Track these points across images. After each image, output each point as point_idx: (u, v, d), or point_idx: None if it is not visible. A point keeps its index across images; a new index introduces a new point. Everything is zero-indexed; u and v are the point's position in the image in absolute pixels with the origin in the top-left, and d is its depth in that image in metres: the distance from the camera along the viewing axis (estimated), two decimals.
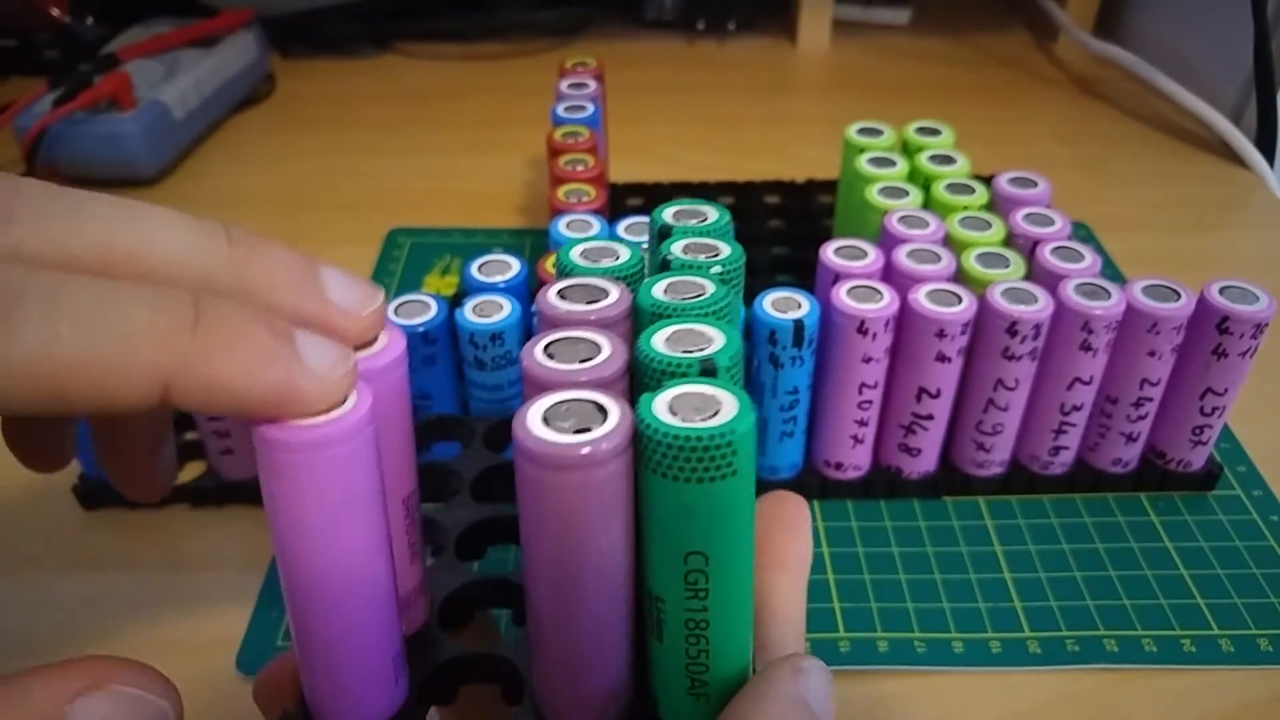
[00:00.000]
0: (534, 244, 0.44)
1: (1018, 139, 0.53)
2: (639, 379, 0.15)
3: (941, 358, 0.28)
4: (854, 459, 0.31)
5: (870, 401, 0.30)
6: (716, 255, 0.18)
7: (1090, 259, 0.30)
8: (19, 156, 0.47)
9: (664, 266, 0.18)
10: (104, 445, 0.19)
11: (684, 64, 0.63)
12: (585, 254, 0.18)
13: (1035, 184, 0.35)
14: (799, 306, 0.28)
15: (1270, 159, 0.49)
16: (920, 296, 0.28)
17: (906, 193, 0.34)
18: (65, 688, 0.13)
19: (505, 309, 0.29)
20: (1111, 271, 0.42)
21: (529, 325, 0.30)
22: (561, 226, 0.33)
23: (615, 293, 0.17)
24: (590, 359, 0.15)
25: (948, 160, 0.36)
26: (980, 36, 0.66)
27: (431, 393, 0.30)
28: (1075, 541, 0.30)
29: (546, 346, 0.16)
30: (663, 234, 0.18)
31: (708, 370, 0.15)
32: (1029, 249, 0.31)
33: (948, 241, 0.32)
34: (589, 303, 0.16)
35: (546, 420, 0.14)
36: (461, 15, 0.65)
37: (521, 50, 0.64)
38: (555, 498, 0.14)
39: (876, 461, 0.32)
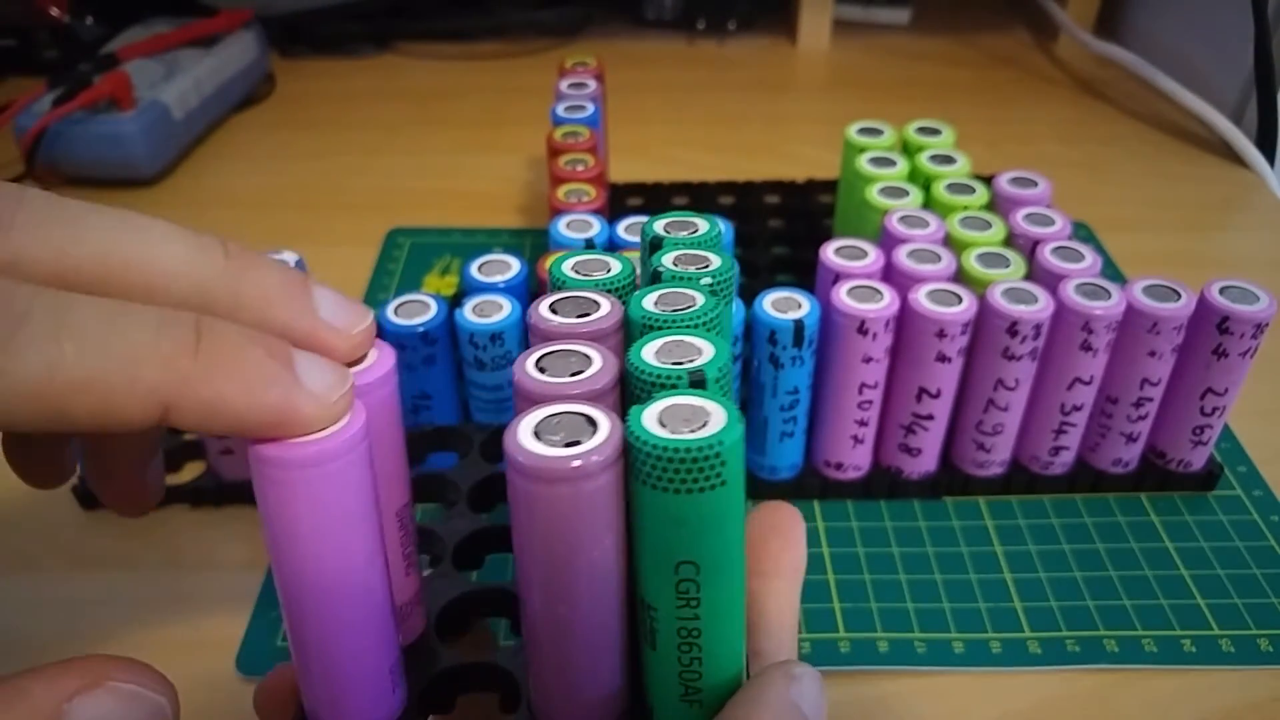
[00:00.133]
0: (534, 244, 0.44)
1: (1018, 139, 0.53)
2: (629, 391, 0.15)
3: (942, 358, 0.28)
4: (854, 459, 0.31)
5: (870, 401, 0.30)
6: (707, 267, 0.18)
7: (1090, 259, 0.30)
8: (19, 156, 0.47)
9: (655, 278, 0.18)
10: (93, 460, 0.20)
11: (684, 64, 0.63)
12: (577, 267, 0.18)
13: (1035, 184, 0.35)
14: (799, 306, 0.28)
15: (1270, 159, 0.49)
16: (920, 296, 0.28)
17: (907, 193, 0.34)
18: (63, 686, 0.13)
19: (505, 309, 0.29)
20: (1112, 271, 0.42)
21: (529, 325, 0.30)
22: (561, 226, 0.33)
23: (606, 305, 0.17)
24: (581, 372, 0.15)
25: (948, 160, 0.36)
26: (980, 36, 0.66)
27: (431, 393, 0.30)
28: (1075, 542, 0.30)
29: (538, 360, 0.16)
30: (654, 246, 0.18)
31: (697, 382, 0.15)
32: (1029, 249, 0.31)
33: (948, 241, 0.32)
34: (580, 316, 0.17)
35: (537, 434, 0.14)
36: (461, 15, 0.65)
37: (521, 50, 0.64)
38: (546, 510, 0.14)
39: (877, 461, 0.32)
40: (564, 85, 0.42)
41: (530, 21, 0.65)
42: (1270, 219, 0.47)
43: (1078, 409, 0.30)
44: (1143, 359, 0.29)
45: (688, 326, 0.16)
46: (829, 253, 0.31)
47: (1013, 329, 0.28)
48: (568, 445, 0.14)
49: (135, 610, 0.29)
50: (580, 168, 0.37)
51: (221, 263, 0.15)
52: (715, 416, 0.14)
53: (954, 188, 0.34)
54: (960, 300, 0.28)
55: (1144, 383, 0.29)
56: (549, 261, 0.31)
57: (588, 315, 0.17)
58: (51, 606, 0.29)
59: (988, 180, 0.35)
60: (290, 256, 0.30)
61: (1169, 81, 0.54)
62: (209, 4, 0.58)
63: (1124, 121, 0.55)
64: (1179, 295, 0.29)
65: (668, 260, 0.18)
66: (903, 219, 0.32)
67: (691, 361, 0.15)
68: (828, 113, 0.57)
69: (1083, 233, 0.45)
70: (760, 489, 0.32)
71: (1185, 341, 0.29)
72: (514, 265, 0.31)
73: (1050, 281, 0.29)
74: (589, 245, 0.32)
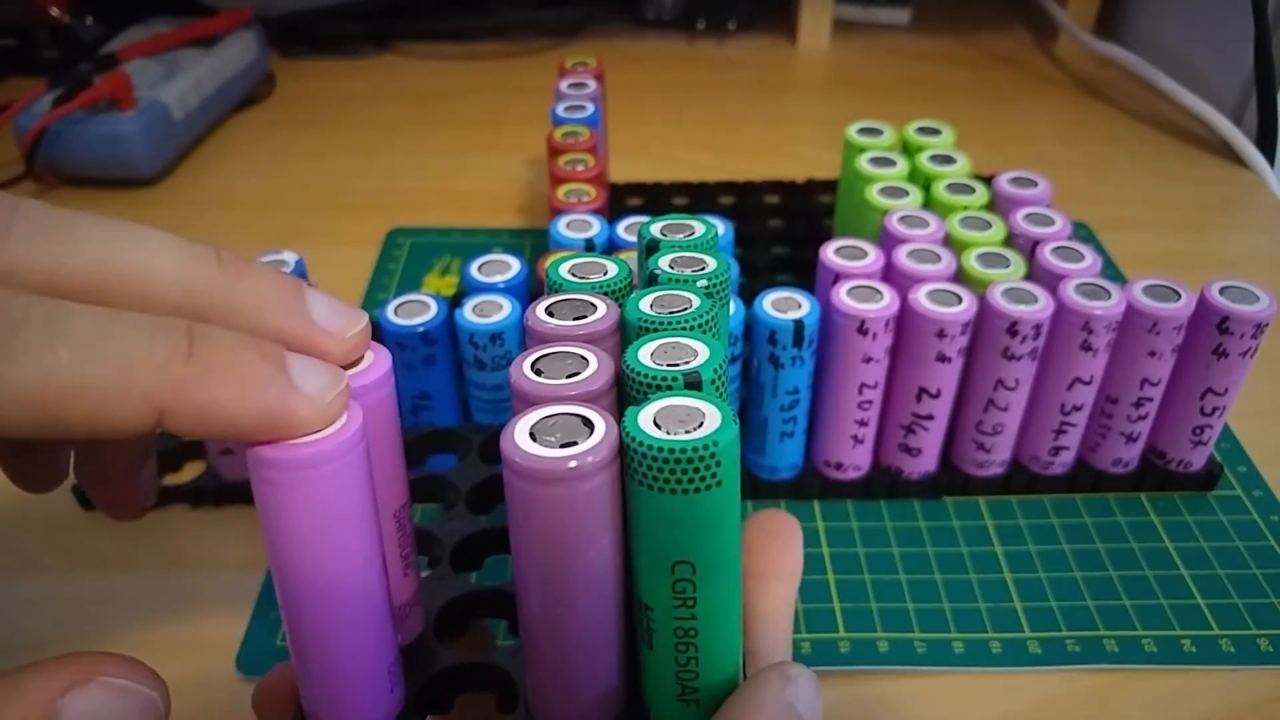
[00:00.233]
0: (534, 244, 0.44)
1: (1018, 139, 0.53)
2: (625, 392, 0.15)
3: (942, 358, 0.28)
4: (854, 459, 0.31)
5: (870, 401, 0.30)
6: (703, 269, 0.18)
7: (1090, 259, 0.30)
8: (19, 156, 0.47)
9: (651, 281, 0.18)
10: (87, 465, 0.20)
11: (684, 64, 0.63)
12: (574, 270, 0.18)
13: (1035, 184, 0.35)
14: (799, 306, 0.28)
15: (1270, 159, 0.49)
16: (920, 296, 0.28)
17: (907, 193, 0.34)
18: (57, 682, 0.13)
19: (505, 309, 0.29)
20: (1112, 271, 0.42)
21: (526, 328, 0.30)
22: (561, 226, 0.33)
23: (603, 308, 0.17)
24: (578, 374, 0.15)
25: (948, 160, 0.36)
26: (980, 36, 0.66)
27: (431, 393, 0.30)
28: (1075, 542, 0.30)
29: (535, 362, 0.16)
30: (650, 248, 0.19)
31: (692, 383, 0.15)
32: (1029, 249, 0.31)
33: (948, 241, 0.32)
34: (577, 318, 0.17)
35: (533, 435, 0.14)
36: (461, 15, 0.65)
37: (521, 50, 0.64)
38: (543, 511, 0.14)
39: (877, 461, 0.32)
40: (564, 85, 0.42)
41: (530, 21, 0.65)
42: (1270, 219, 0.47)
43: (1078, 409, 0.30)
44: (1143, 359, 0.29)
45: (683, 328, 0.16)
46: (829, 253, 0.31)
47: (1013, 329, 0.28)
48: (564, 446, 0.14)
49: (135, 610, 0.29)
50: (580, 168, 0.37)
51: (215, 270, 0.15)
52: (710, 417, 0.14)
53: (954, 188, 0.34)
54: (960, 300, 0.28)
55: (1144, 383, 0.29)
56: (548, 262, 0.31)
57: (584, 318, 0.17)
58: (51, 606, 0.29)
59: (988, 180, 0.35)
60: (290, 257, 0.30)
61: (1169, 81, 0.54)
62: (209, 4, 0.58)
63: (1124, 121, 0.55)
64: (1179, 295, 0.29)
65: (664, 263, 0.18)
66: (903, 219, 0.32)
67: (687, 363, 0.15)
68: (828, 113, 0.57)
69: (1083, 233, 0.45)
70: (760, 489, 0.32)
71: (1185, 341, 0.29)
72: (514, 265, 0.31)
73: (1050, 281, 0.29)
74: (589, 245, 0.32)
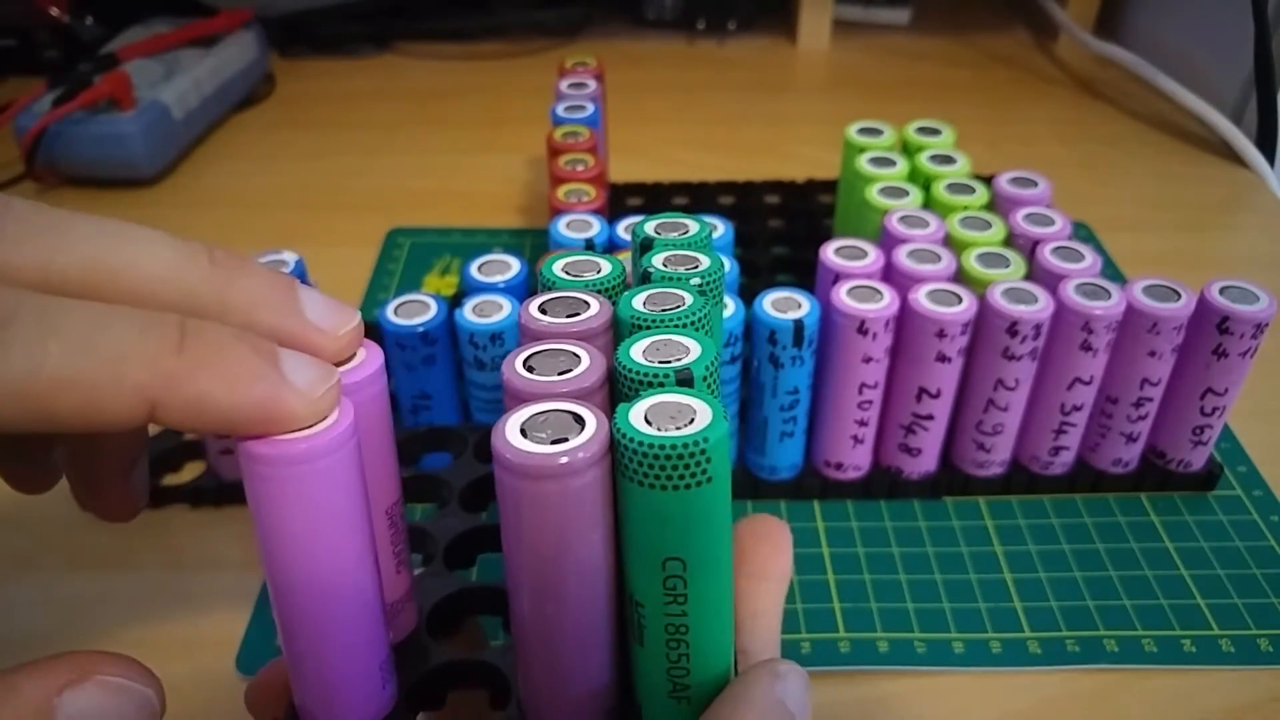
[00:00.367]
0: (534, 244, 0.44)
1: (1018, 139, 0.53)
2: (617, 389, 0.15)
3: (942, 358, 0.28)
4: (854, 459, 0.31)
5: (870, 401, 0.30)
6: (696, 267, 0.18)
7: (1090, 259, 0.30)
8: (19, 156, 0.47)
9: (645, 279, 0.18)
10: (78, 466, 0.19)
11: (684, 64, 0.63)
12: (567, 268, 0.18)
13: (1035, 184, 0.35)
14: (799, 306, 0.28)
15: (1270, 159, 0.49)
16: (920, 296, 0.28)
17: (906, 193, 0.34)
18: (52, 681, 0.13)
19: (505, 309, 0.29)
20: (1112, 271, 0.42)
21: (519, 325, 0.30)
22: (561, 226, 0.33)
23: (596, 305, 0.17)
24: (569, 370, 0.15)
25: (948, 160, 0.36)
26: (980, 36, 0.66)
27: (431, 393, 0.30)
28: (1075, 542, 0.30)
29: (526, 359, 0.16)
30: (644, 247, 0.19)
31: (684, 380, 0.15)
32: (1029, 249, 0.31)
33: (948, 241, 0.32)
34: (570, 316, 0.17)
35: (524, 431, 0.14)
36: (461, 15, 0.65)
37: (521, 50, 0.64)
38: (534, 507, 0.14)
39: (877, 461, 0.32)
40: (564, 85, 0.42)
41: (530, 21, 0.65)
42: (1270, 219, 0.47)
43: (1078, 409, 0.30)
44: (1143, 359, 0.29)
45: (676, 326, 0.16)
46: (829, 253, 0.31)
47: (1013, 329, 0.28)
48: (555, 442, 0.14)
49: (134, 610, 0.29)
50: (580, 168, 0.37)
51: (208, 268, 0.15)
52: (702, 414, 0.14)
53: (954, 188, 0.34)
54: (960, 300, 0.28)
55: (1144, 383, 0.29)
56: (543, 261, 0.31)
57: (577, 315, 0.17)
58: (51, 606, 0.29)
59: (988, 180, 0.35)
60: (290, 257, 0.30)
61: (1169, 81, 0.54)
62: (209, 4, 0.58)
63: (1124, 121, 0.55)
64: (1179, 295, 0.29)
65: (657, 261, 0.18)
66: (903, 219, 0.32)
67: (679, 360, 0.15)
68: (828, 113, 0.57)
69: (1083, 233, 0.45)
70: (760, 489, 0.32)
71: (1185, 341, 0.29)
72: (514, 265, 0.31)
73: (1050, 281, 0.29)
74: (589, 245, 0.32)
